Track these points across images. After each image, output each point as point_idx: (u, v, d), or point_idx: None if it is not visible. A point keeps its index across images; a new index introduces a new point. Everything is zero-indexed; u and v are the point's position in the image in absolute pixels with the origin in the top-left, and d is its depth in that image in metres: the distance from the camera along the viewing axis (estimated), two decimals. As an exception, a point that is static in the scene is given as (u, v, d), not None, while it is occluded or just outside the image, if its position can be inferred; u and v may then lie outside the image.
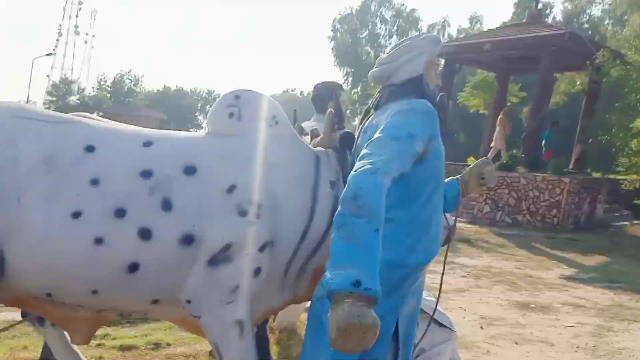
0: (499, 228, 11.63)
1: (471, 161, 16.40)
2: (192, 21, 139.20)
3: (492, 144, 13.98)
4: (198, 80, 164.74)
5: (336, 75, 42.33)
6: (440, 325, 2.66)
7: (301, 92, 61.47)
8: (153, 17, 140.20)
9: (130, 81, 52.57)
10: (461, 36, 29.24)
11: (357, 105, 30.60)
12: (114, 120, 2.41)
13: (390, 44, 42.21)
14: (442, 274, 2.44)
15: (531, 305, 5.70)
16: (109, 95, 50.04)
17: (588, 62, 12.34)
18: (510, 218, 12.04)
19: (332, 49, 41.95)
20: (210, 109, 2.45)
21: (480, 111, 18.06)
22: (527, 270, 7.66)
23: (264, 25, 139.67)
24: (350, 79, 41.05)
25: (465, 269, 7.45)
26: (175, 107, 54.67)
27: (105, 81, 51.98)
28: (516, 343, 4.47)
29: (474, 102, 17.86)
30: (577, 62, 13.43)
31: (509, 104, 15.57)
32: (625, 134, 11.46)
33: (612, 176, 13.91)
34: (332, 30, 42.51)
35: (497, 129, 13.89)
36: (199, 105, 61.08)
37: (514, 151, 13.04)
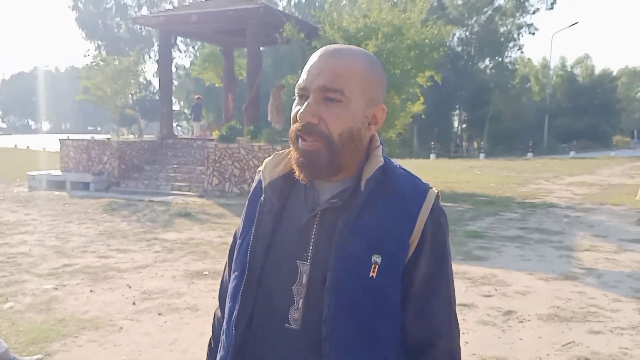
0: (226, 199, 11.93)
1: (215, 134, 16.51)
2: None
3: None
4: None
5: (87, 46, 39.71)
6: None
7: (56, 68, 55.46)
8: None
9: None
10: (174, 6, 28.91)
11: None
12: None
13: (140, 13, 40.30)
14: None
15: (204, 273, 5.86)
16: None
17: (277, 35, 12.83)
18: (238, 188, 12.40)
19: (76, 19, 38.54)
20: None
21: (217, 85, 18.22)
22: (228, 238, 7.91)
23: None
24: (104, 51, 38.38)
25: (164, 243, 7.42)
26: None
27: None
28: (160, 314, 4.52)
29: (207, 75, 17.93)
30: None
31: (239, 78, 15.84)
32: None
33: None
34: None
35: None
36: None
37: (233, 122, 13.32)
